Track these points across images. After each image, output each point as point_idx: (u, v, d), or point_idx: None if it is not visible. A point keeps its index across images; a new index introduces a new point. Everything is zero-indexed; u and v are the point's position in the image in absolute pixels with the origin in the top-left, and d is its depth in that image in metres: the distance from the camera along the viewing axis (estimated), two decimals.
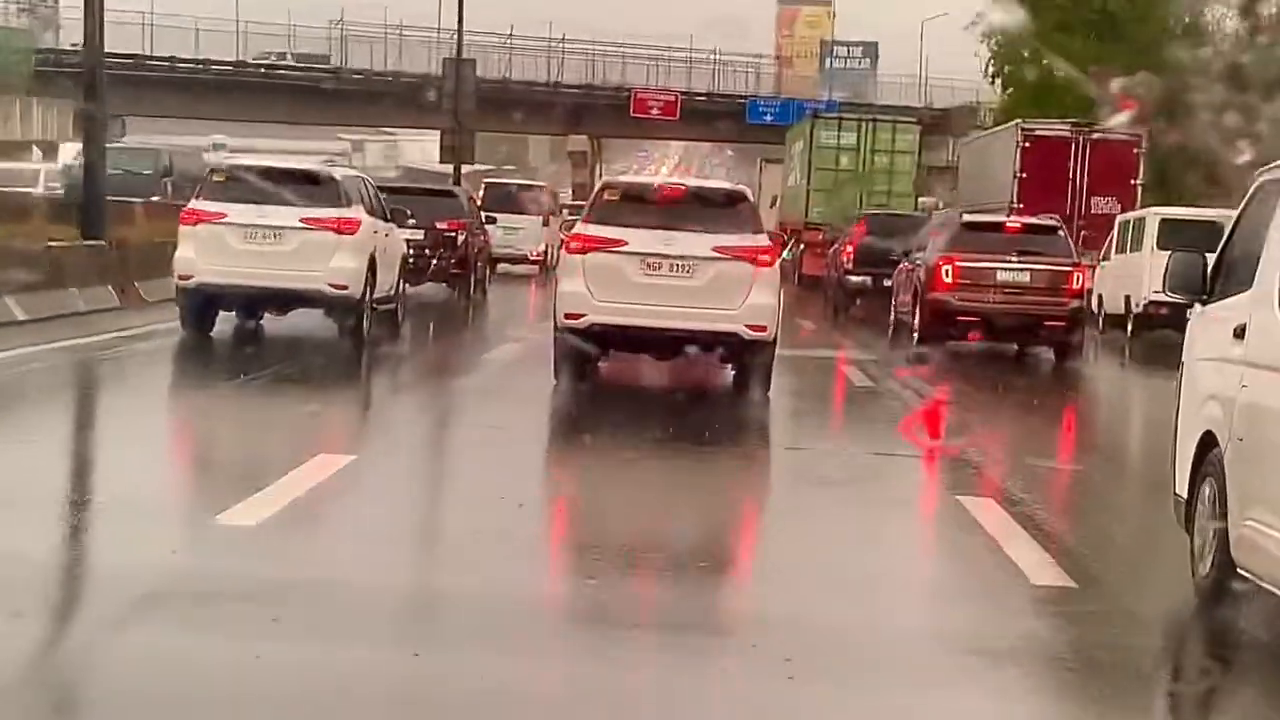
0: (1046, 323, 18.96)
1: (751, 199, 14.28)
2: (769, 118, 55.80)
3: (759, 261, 12.82)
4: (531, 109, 58.71)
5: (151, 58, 55.66)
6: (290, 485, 7.93)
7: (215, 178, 15.54)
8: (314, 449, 9.04)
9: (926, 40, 58.80)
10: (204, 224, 15.07)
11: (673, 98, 57.96)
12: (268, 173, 15.42)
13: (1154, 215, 23.51)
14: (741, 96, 59.42)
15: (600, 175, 67.03)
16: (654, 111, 57.77)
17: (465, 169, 44.12)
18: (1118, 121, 28.21)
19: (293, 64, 59.06)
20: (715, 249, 12.67)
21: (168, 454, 9.85)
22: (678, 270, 12.64)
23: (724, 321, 12.59)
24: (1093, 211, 28.12)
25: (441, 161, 40.06)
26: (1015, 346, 19.85)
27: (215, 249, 14.91)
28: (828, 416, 14.00)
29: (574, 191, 61.68)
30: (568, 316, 12.77)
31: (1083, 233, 26.53)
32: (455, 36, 59.34)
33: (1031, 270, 19.08)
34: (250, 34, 59.39)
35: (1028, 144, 28.54)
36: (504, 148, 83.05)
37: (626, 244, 12.70)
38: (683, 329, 12.60)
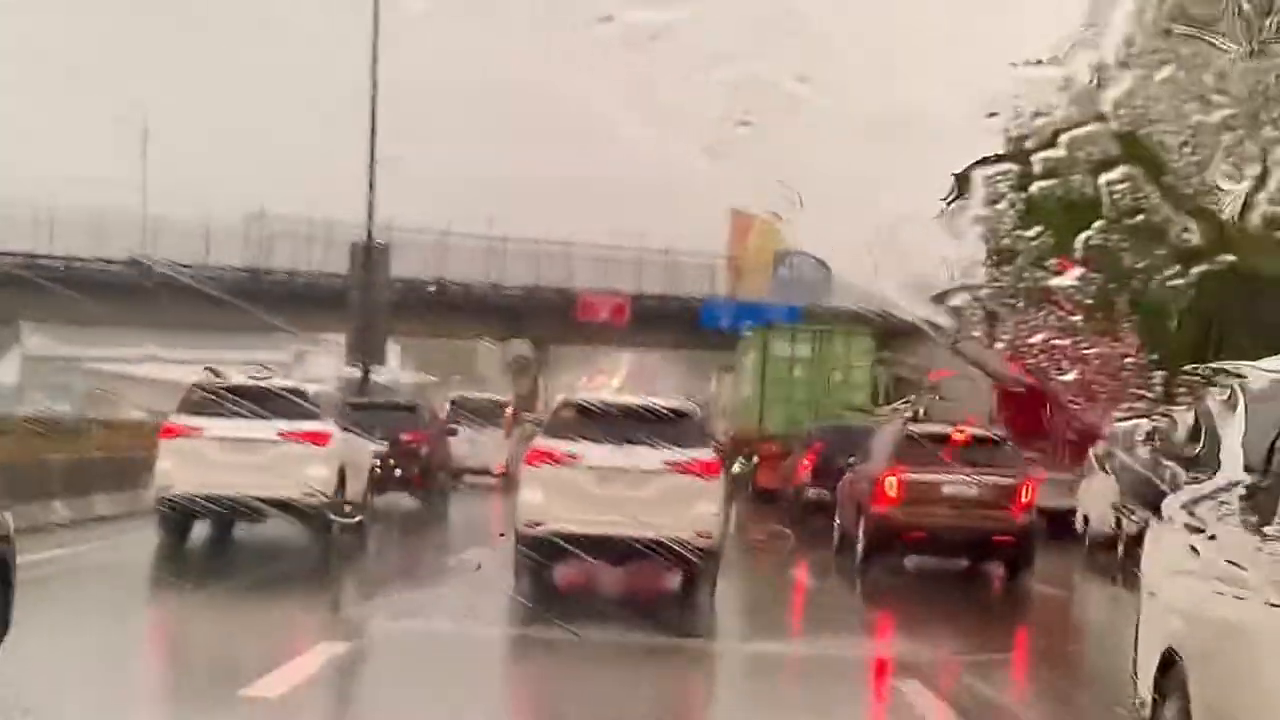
0: (995, 538, 20.47)
1: (698, 415, 17.65)
2: (725, 322, 58.07)
3: (706, 474, 16.11)
4: (469, 312, 61.35)
5: (45, 256, 56.71)
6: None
7: (194, 394, 18.94)
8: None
9: (902, 235, 62.63)
10: (183, 437, 18.43)
11: (622, 300, 60.23)
12: (244, 389, 18.91)
13: (1145, 425, 25.27)
14: (696, 299, 61.81)
15: (543, 384, 70.15)
16: (602, 315, 60.06)
17: (407, 378, 45.94)
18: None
19: (206, 265, 58.98)
20: (665, 463, 15.98)
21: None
22: (630, 482, 15.89)
23: (673, 530, 15.67)
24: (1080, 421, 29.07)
25: (348, 363, 39.85)
26: (964, 563, 21.49)
27: (194, 461, 18.22)
28: None
29: (515, 402, 64.53)
30: (527, 525, 16.02)
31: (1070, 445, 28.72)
32: (387, 231, 60.71)
33: (979, 483, 20.55)
34: (159, 230, 60.06)
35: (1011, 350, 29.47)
36: (449, 356, 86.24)
37: (582, 458, 15.97)
38: (634, 537, 15.58)
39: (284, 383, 20.18)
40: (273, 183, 71.39)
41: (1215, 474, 7.16)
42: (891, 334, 58.85)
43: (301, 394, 19.45)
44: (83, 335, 79.91)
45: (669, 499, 15.84)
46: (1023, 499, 20.72)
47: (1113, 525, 24.14)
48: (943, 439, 21.56)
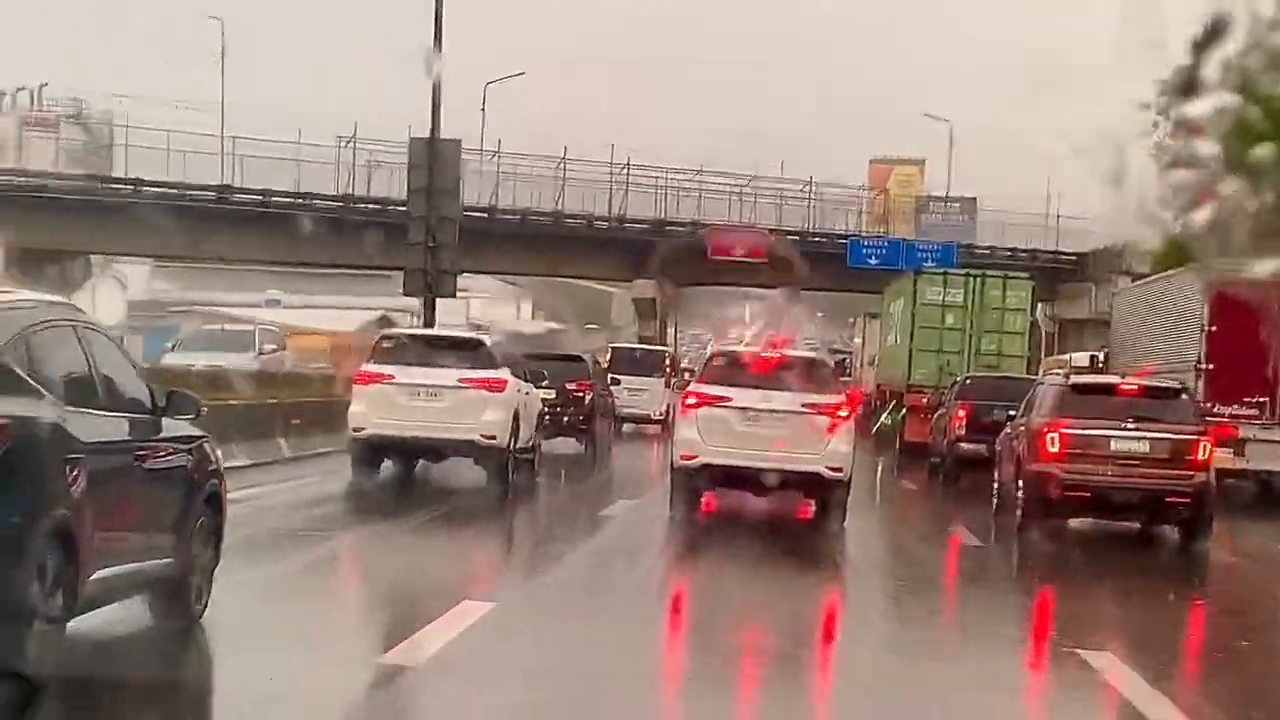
0: (1168, 499, 21.47)
1: (830, 366, 23.41)
2: (874, 260, 62.59)
3: (837, 415, 21.42)
4: (588, 249, 64.98)
5: (111, 179, 58.54)
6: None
7: (384, 343, 24.47)
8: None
9: (1048, 176, 65.26)
10: (374, 384, 23.84)
11: (760, 236, 63.76)
12: (428, 339, 24.42)
13: None
14: (841, 236, 65.78)
15: (673, 328, 74.40)
16: (737, 253, 63.43)
17: (533, 326, 49.76)
18: None
19: (295, 190, 60.87)
20: (802, 405, 21.34)
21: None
22: (772, 421, 21.18)
23: (809, 463, 21.13)
24: None
25: (405, 293, 36.57)
26: (1135, 526, 22.65)
27: (384, 405, 23.63)
28: None
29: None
30: (683, 457, 21.54)
31: None
32: (496, 158, 62.75)
33: (1150, 439, 21.68)
34: (240, 155, 61.64)
35: (1222, 290, 29.61)
36: (581, 302, 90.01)
37: (731, 400, 21.40)
38: (776, 469, 21.11)
39: (464, 334, 25.93)
40: (368, 104, 75.24)
41: None
42: (1057, 276, 63.26)
43: (480, 344, 24.94)
44: (185, 275, 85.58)
45: (806, 436, 21.09)
46: (1199, 456, 21.73)
47: None
48: (1111, 390, 22.94)
